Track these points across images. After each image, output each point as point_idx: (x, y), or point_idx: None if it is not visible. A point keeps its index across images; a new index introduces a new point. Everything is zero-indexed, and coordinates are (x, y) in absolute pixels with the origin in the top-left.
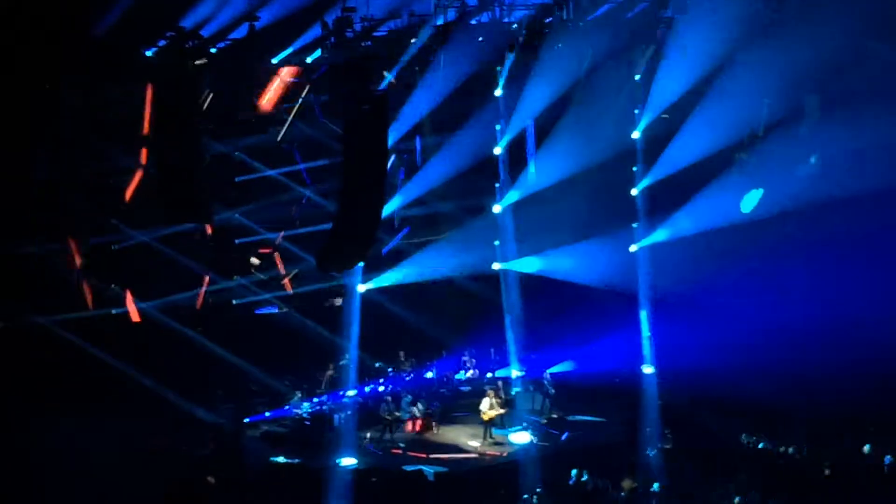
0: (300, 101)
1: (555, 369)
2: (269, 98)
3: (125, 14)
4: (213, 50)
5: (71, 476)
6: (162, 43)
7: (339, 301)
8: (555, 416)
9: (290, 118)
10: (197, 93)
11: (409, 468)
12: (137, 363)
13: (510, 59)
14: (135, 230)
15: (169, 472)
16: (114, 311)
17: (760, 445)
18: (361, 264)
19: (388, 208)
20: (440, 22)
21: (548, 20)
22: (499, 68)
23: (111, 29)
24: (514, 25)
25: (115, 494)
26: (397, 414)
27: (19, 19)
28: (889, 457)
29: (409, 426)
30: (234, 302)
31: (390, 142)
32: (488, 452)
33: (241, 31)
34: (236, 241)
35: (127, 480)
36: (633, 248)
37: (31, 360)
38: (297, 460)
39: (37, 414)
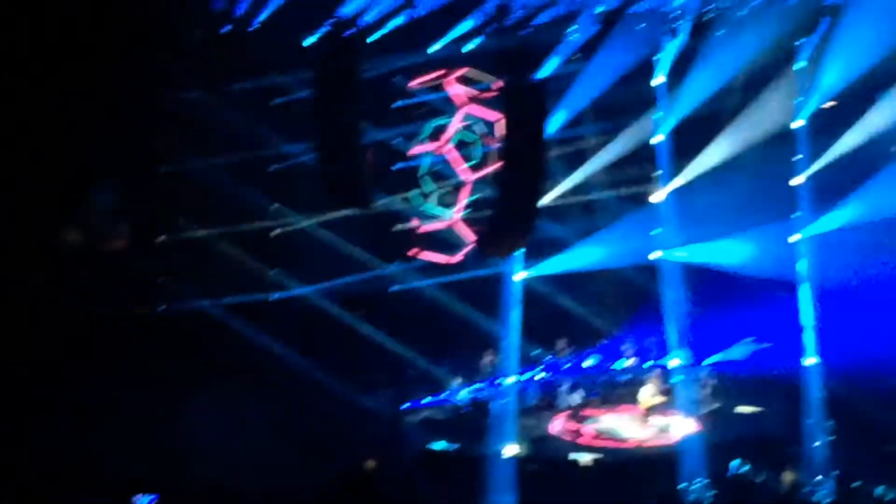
0: None
1: (715, 359)
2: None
3: (285, 4)
4: (371, 39)
5: (224, 460)
6: (321, 32)
7: None
8: (716, 405)
9: None
10: (356, 80)
11: (568, 456)
12: (298, 348)
13: (671, 47)
14: (295, 215)
15: (325, 458)
16: (274, 297)
17: None
18: (522, 251)
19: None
20: (601, 9)
21: (709, 8)
22: (659, 56)
23: (271, 18)
24: (676, 13)
25: (269, 478)
26: (555, 402)
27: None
28: None
29: (566, 414)
30: (393, 287)
31: (551, 130)
32: (647, 441)
33: (398, 20)
34: (396, 227)
35: (281, 464)
36: (794, 237)
37: (192, 343)
38: (455, 447)
39: (197, 397)
